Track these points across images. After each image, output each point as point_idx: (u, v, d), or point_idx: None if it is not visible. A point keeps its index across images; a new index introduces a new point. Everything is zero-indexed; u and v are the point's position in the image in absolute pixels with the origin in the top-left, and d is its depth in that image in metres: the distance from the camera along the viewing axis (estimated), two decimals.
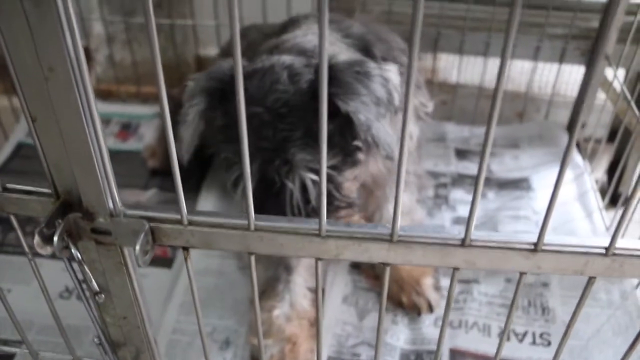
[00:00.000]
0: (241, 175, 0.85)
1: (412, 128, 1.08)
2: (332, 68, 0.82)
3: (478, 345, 1.07)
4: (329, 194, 0.87)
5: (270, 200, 0.84)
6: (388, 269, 0.55)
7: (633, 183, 0.51)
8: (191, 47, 1.94)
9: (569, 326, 0.59)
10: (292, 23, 1.07)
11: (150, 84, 1.87)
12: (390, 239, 0.52)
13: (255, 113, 0.82)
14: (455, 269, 0.54)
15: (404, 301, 1.14)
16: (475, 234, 0.52)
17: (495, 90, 0.44)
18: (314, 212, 0.86)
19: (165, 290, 1.19)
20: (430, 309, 1.14)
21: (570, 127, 1.60)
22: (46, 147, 0.54)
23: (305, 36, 0.98)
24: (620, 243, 0.52)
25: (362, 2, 1.55)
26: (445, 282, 1.19)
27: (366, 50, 1.03)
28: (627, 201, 0.51)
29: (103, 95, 1.84)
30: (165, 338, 1.09)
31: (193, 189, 1.40)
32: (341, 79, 0.82)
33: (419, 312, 1.14)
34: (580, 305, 0.57)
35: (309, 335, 1.07)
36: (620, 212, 1.33)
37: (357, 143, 0.88)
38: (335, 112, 0.81)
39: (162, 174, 1.49)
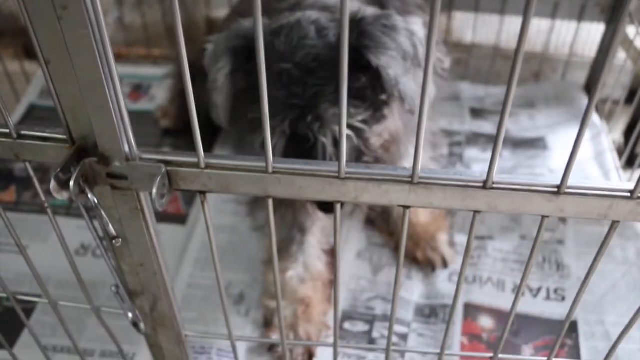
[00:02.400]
0: (272, 135, 0.84)
1: (430, 85, 1.06)
2: (360, 22, 0.81)
3: (492, 300, 1.07)
4: (358, 150, 0.86)
5: (303, 157, 0.83)
6: (408, 212, 0.54)
7: None
8: (201, 8, 1.91)
9: (589, 272, 0.59)
10: None
11: (160, 46, 1.85)
12: (410, 180, 0.51)
13: (284, 69, 0.81)
14: (477, 212, 0.53)
15: (419, 257, 1.14)
16: (498, 177, 0.51)
17: (516, 50, 0.43)
18: None
19: (179, 247, 1.20)
20: (445, 264, 1.14)
21: (590, 87, 1.57)
22: (61, 91, 0.53)
23: None
24: None
25: None
26: (459, 239, 1.19)
27: (382, 6, 1.01)
28: None
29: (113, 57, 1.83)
30: (180, 293, 1.10)
31: (206, 148, 1.39)
32: (371, 33, 0.80)
33: (433, 268, 1.14)
34: (603, 249, 0.56)
35: (322, 297, 1.07)
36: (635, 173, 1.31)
37: (384, 97, 0.87)
38: (366, 66, 0.80)
39: (174, 134, 1.49)
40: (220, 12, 1.87)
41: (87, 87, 0.51)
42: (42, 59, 0.52)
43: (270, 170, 0.53)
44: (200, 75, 1.33)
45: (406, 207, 0.54)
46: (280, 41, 0.82)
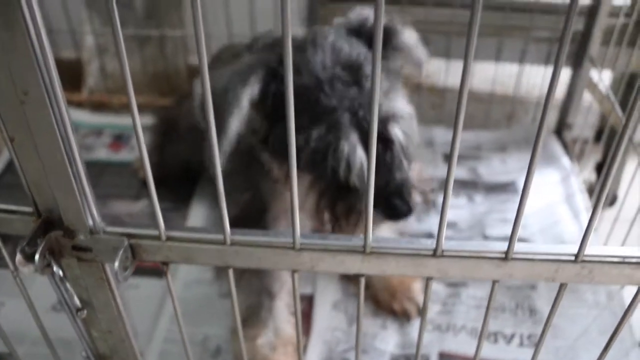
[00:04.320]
0: (313, 153, 0.80)
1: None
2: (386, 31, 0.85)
3: (467, 349, 1.08)
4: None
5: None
6: (363, 280, 0.56)
7: (598, 190, 0.52)
8: (182, 56, 1.95)
9: (544, 330, 0.61)
10: (256, 41, 1.07)
11: (142, 94, 1.88)
12: (363, 250, 0.53)
13: (335, 75, 0.80)
14: (429, 278, 0.55)
15: (396, 308, 1.15)
16: (447, 244, 0.53)
17: (460, 93, 0.45)
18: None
19: (157, 300, 1.20)
20: (420, 313, 1.15)
21: (560, 130, 1.61)
22: (25, 167, 0.55)
23: None
24: (590, 250, 0.54)
25: (348, 8, 1.56)
26: (434, 286, 1.20)
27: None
28: (594, 209, 0.52)
29: (95, 106, 1.85)
30: (157, 348, 1.10)
31: (184, 200, 1.41)
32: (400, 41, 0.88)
33: (408, 318, 1.14)
34: (553, 310, 0.58)
35: None
36: (606, 212, 1.34)
37: None
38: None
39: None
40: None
41: (49, 165, 0.53)
42: (7, 136, 0.54)
43: (229, 242, 0.55)
44: (175, 130, 1.36)
45: (361, 275, 0.55)
46: (311, 52, 0.81)
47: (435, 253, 0.53)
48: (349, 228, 0.85)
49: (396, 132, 0.81)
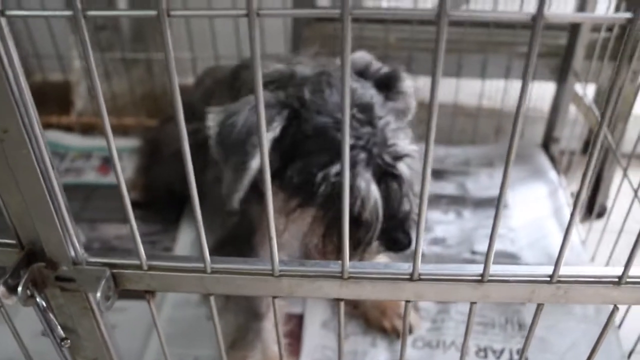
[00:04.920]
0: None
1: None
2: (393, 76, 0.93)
3: None
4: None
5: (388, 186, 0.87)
6: (342, 304, 0.57)
7: (572, 207, 0.53)
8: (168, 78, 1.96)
9: (523, 348, 0.61)
10: (245, 68, 1.09)
11: (130, 116, 1.89)
12: (341, 276, 0.54)
13: (351, 115, 0.83)
14: (407, 301, 0.56)
15: (387, 326, 1.16)
16: (423, 268, 0.54)
17: (430, 107, 0.46)
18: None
19: (146, 322, 1.20)
20: (410, 329, 1.15)
21: (547, 144, 1.62)
22: (7, 201, 0.56)
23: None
24: (565, 270, 0.54)
25: (333, 28, 1.58)
26: (423, 303, 1.20)
27: None
28: (567, 228, 0.53)
29: (84, 128, 1.86)
30: None
31: (173, 221, 1.41)
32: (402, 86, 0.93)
33: (398, 335, 1.15)
34: (531, 331, 0.59)
35: None
36: (595, 224, 1.35)
37: None
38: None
39: (143, 207, 1.50)
40: (187, 80, 1.91)
41: (31, 200, 0.54)
42: None
43: (209, 270, 0.55)
44: (160, 150, 1.37)
45: (340, 300, 0.56)
46: (328, 93, 0.86)
47: (412, 277, 0.54)
48: (354, 258, 0.88)
49: (405, 169, 0.87)
